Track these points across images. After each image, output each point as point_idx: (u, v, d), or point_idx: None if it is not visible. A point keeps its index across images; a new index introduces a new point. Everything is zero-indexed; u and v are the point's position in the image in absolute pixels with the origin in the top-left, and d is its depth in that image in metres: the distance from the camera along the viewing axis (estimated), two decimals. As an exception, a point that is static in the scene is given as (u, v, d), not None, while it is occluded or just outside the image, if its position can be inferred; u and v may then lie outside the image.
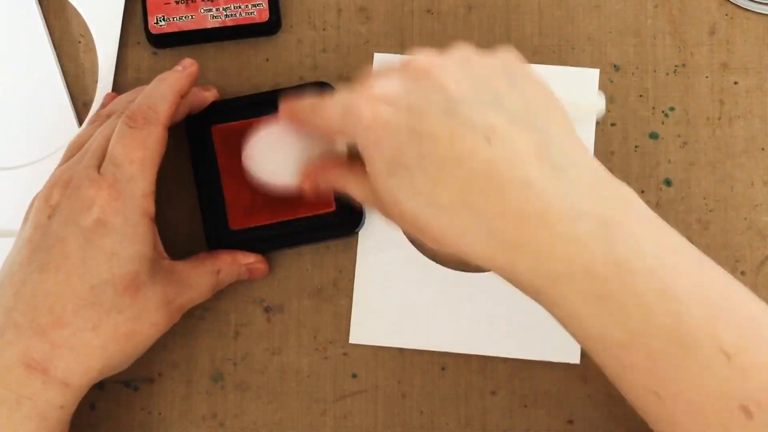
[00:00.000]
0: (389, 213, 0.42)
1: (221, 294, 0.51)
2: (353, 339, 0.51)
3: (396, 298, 0.51)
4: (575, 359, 0.50)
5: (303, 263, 0.51)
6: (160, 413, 0.51)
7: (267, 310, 0.51)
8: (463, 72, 0.40)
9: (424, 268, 0.51)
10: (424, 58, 0.41)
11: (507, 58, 0.42)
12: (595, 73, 0.51)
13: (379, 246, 0.51)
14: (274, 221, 0.50)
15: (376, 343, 0.50)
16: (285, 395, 0.51)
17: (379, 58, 0.52)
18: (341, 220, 0.50)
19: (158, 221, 0.51)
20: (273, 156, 0.46)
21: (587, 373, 0.50)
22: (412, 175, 0.39)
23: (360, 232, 0.51)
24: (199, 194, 0.50)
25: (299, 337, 0.51)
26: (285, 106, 0.45)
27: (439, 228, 0.40)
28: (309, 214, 0.50)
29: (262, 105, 0.49)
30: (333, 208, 0.50)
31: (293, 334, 0.51)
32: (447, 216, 0.39)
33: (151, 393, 0.51)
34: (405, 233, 0.51)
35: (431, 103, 0.39)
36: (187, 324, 0.51)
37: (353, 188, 0.44)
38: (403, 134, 0.39)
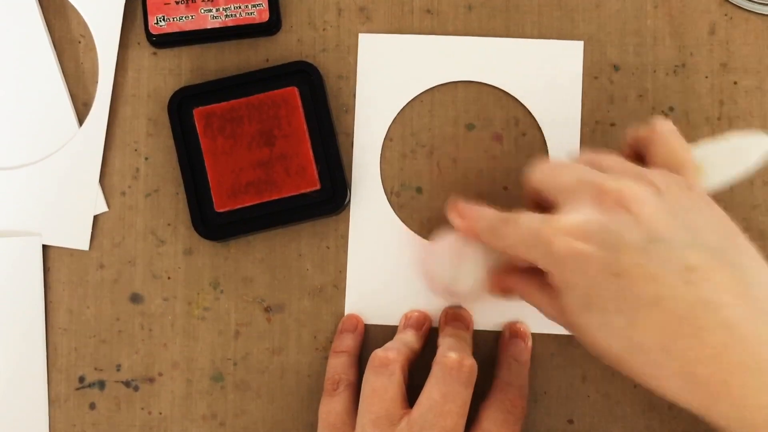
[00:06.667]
0: (583, 341, 0.40)
1: (221, 294, 0.51)
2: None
3: (388, 277, 0.51)
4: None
5: (303, 263, 0.51)
6: (160, 413, 0.51)
7: (267, 310, 0.51)
8: (659, 205, 0.39)
9: (414, 248, 0.51)
10: (616, 185, 0.39)
11: (683, 181, 0.40)
12: (579, 45, 0.52)
13: (368, 223, 0.51)
14: (259, 201, 0.50)
15: (369, 321, 0.51)
16: (285, 395, 0.51)
17: (365, 39, 0.52)
18: (327, 198, 0.50)
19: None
20: (451, 265, 0.46)
21: (587, 373, 0.50)
22: (608, 314, 0.38)
23: (351, 211, 0.51)
24: (184, 178, 0.50)
25: (299, 337, 0.51)
26: (463, 222, 0.44)
27: (636, 367, 0.38)
28: (294, 193, 0.50)
29: (241, 87, 0.50)
30: (318, 186, 0.50)
31: (293, 334, 0.51)
32: (644, 356, 0.38)
33: (151, 393, 0.51)
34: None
35: (628, 239, 0.38)
36: (188, 324, 0.51)
37: (544, 308, 0.43)
38: (599, 271, 0.38)
